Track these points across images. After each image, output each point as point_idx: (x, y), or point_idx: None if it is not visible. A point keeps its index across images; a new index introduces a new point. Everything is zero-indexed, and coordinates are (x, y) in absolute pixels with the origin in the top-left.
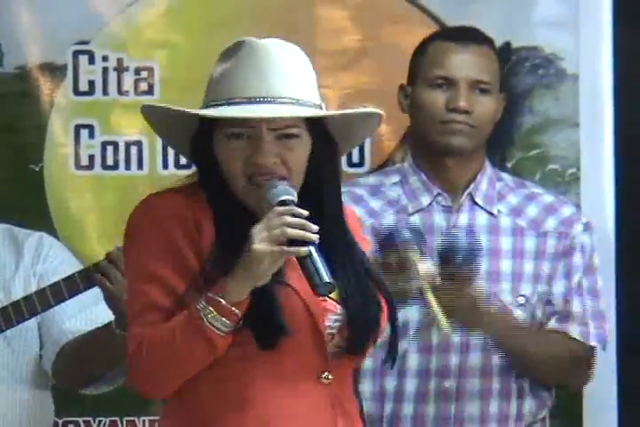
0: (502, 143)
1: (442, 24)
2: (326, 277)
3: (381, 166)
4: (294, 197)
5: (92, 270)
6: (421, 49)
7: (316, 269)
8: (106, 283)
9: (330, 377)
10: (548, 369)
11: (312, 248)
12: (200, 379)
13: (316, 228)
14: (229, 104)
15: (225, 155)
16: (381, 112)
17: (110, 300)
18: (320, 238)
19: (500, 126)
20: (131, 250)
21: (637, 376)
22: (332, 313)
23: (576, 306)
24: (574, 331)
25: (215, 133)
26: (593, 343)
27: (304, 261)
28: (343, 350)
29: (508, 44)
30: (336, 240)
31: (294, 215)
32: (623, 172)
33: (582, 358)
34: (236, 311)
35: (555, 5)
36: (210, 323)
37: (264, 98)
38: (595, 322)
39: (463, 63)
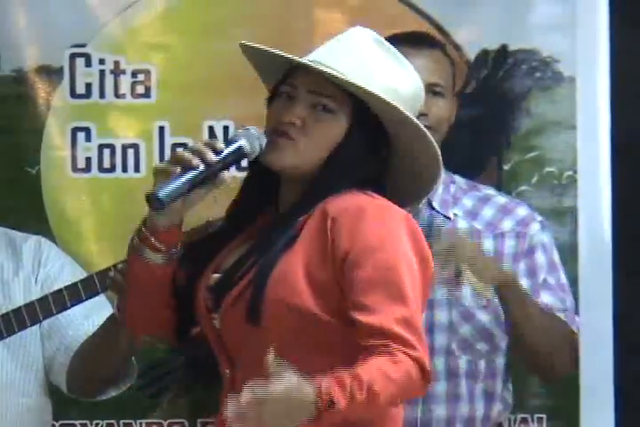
0: (499, 146)
1: (438, 27)
2: (160, 193)
3: None
4: (248, 145)
5: (97, 278)
6: None
7: (169, 184)
8: None
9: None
10: (544, 339)
11: (193, 172)
12: None
13: (211, 158)
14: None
15: (268, 113)
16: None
17: None
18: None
19: (496, 129)
20: None
21: (635, 377)
22: None
23: (547, 299)
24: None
25: None
26: (574, 329)
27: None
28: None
29: (504, 47)
30: (269, 240)
31: (214, 149)
32: (620, 174)
33: (568, 340)
34: (149, 236)
35: (551, 8)
36: (135, 248)
37: (319, 62)
38: (573, 313)
39: (416, 67)
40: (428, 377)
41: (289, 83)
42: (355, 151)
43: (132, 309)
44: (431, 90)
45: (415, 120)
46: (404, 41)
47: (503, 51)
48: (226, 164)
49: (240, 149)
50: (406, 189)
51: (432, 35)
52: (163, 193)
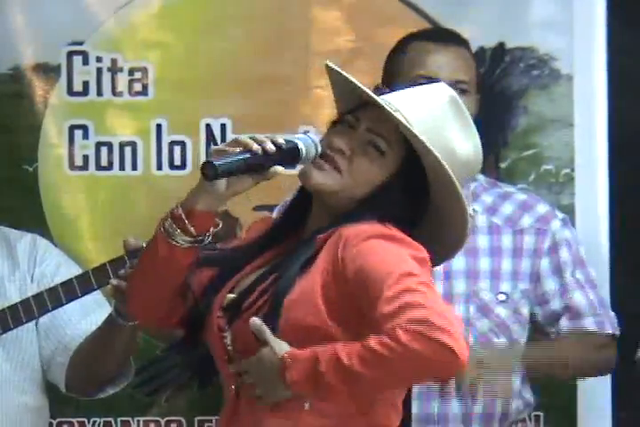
0: (496, 144)
1: (436, 25)
2: (216, 161)
3: None
4: (304, 148)
5: (93, 274)
6: (399, 50)
7: (226, 158)
8: None
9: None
10: (576, 370)
11: (247, 154)
12: None
13: (271, 148)
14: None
15: (325, 136)
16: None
17: None
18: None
19: (494, 127)
20: None
21: (632, 376)
22: None
23: (580, 299)
24: (589, 324)
25: None
26: (609, 331)
27: None
28: None
29: (502, 45)
30: (288, 262)
31: (273, 142)
32: (617, 172)
33: (603, 347)
34: (183, 217)
35: (549, 6)
36: (164, 226)
37: (391, 105)
38: (604, 311)
39: (444, 63)
40: (452, 352)
41: (354, 115)
42: (393, 196)
43: (138, 292)
44: (457, 87)
45: (458, 186)
46: (432, 37)
47: (500, 48)
48: (280, 158)
49: (297, 149)
50: (433, 247)
51: (457, 32)
52: (218, 162)
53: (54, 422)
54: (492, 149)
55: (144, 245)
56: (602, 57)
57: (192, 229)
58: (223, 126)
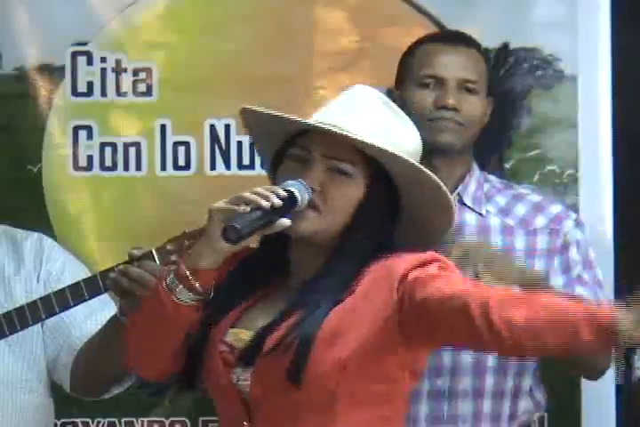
0: (500, 144)
1: (440, 25)
2: (237, 224)
3: None
4: (299, 195)
5: (101, 277)
6: (409, 53)
7: (243, 219)
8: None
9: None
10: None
11: (259, 212)
12: None
13: (278, 203)
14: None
15: (279, 176)
16: (441, 185)
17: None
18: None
19: (498, 127)
20: None
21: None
22: None
23: (582, 292)
24: None
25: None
26: None
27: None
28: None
29: (506, 45)
30: (319, 282)
31: (278, 195)
32: (621, 173)
33: None
34: (188, 275)
35: (553, 6)
36: (166, 284)
37: (331, 124)
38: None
39: (451, 62)
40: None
41: (300, 145)
42: (376, 210)
43: (140, 348)
44: (464, 86)
45: (429, 173)
46: (440, 39)
47: (504, 49)
48: (283, 209)
49: (294, 197)
50: (410, 237)
51: (468, 34)
52: (239, 225)
53: (58, 423)
54: (495, 149)
55: (152, 249)
56: (606, 57)
57: (198, 286)
58: (227, 127)
